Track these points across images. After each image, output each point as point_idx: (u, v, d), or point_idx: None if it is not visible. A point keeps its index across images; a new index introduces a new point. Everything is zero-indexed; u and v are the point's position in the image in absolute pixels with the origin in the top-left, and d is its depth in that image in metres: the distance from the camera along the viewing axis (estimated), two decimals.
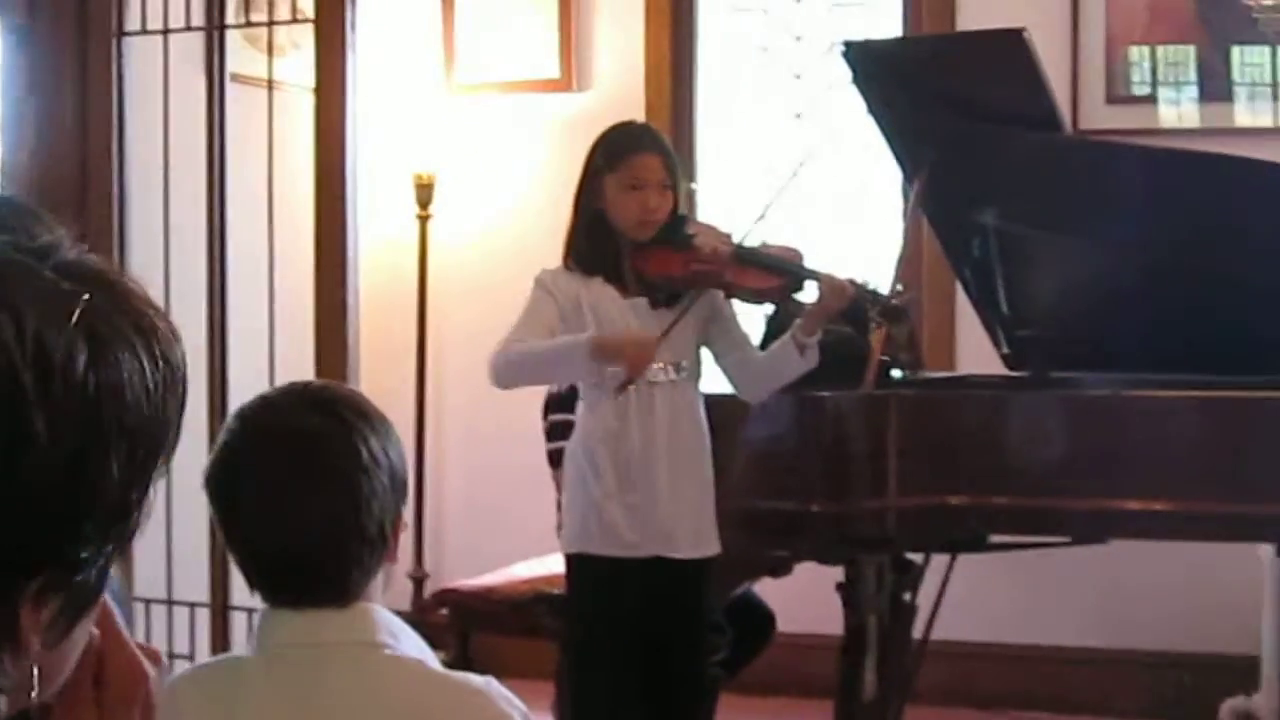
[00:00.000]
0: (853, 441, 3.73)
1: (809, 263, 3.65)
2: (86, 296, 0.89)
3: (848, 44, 4.06)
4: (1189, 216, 3.89)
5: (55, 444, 0.86)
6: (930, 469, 3.68)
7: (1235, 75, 5.21)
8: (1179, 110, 5.26)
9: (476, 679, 1.70)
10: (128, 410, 0.90)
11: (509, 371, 3.54)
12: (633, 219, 3.54)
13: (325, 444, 1.70)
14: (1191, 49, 5.22)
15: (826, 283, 3.53)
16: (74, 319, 0.88)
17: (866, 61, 4.01)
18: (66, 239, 0.93)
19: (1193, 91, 5.24)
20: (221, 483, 1.73)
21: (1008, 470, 3.70)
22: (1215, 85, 5.21)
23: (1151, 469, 3.71)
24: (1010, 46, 3.73)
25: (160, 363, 0.92)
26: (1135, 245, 3.99)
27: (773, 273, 3.58)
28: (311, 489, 1.69)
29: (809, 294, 3.59)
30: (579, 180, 3.63)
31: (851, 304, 3.55)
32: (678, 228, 3.58)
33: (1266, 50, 5.18)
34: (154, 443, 0.93)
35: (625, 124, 3.74)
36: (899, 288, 3.75)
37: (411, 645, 1.74)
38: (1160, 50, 5.25)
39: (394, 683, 1.68)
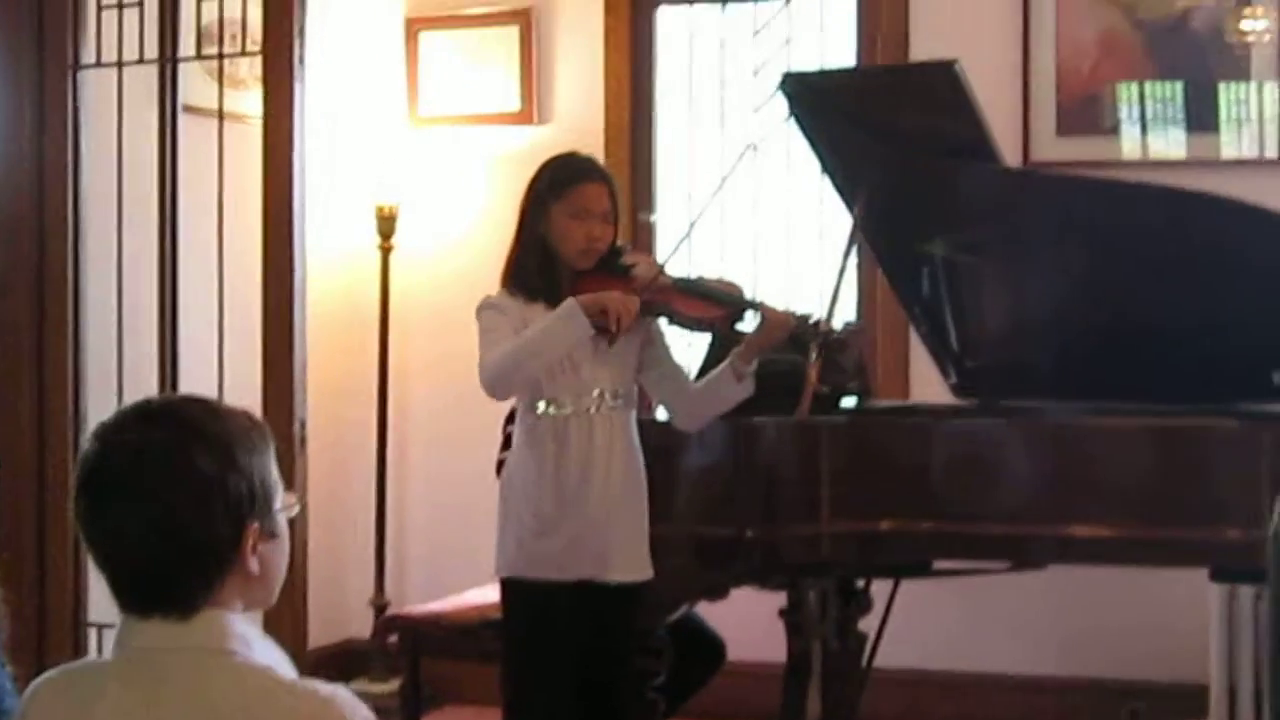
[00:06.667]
0: (785, 468, 3.77)
1: (750, 294, 3.69)
2: None
3: (785, 76, 4.10)
4: (1134, 247, 3.91)
5: None
6: (860, 495, 3.71)
7: (1195, 107, 5.22)
8: (1138, 142, 5.28)
9: (324, 688, 1.74)
10: None
11: (503, 375, 3.47)
12: (576, 247, 3.59)
13: (144, 458, 1.74)
14: (1148, 83, 5.26)
15: (767, 313, 3.58)
16: None
17: (804, 93, 4.04)
18: None
19: (1150, 124, 5.26)
20: (74, 498, 1.78)
21: (935, 496, 3.73)
22: (1172, 116, 5.23)
23: (1088, 495, 3.74)
24: (943, 78, 3.75)
25: None
26: (1082, 275, 4.02)
27: (713, 302, 3.62)
28: (129, 503, 1.74)
29: (749, 324, 3.63)
30: (521, 206, 3.66)
31: (792, 335, 3.60)
32: (617, 256, 3.63)
33: (1234, 84, 5.19)
34: None
35: (570, 154, 3.74)
36: (832, 317, 3.76)
37: (266, 653, 1.78)
38: (1119, 85, 5.28)
39: (231, 688, 1.72)
